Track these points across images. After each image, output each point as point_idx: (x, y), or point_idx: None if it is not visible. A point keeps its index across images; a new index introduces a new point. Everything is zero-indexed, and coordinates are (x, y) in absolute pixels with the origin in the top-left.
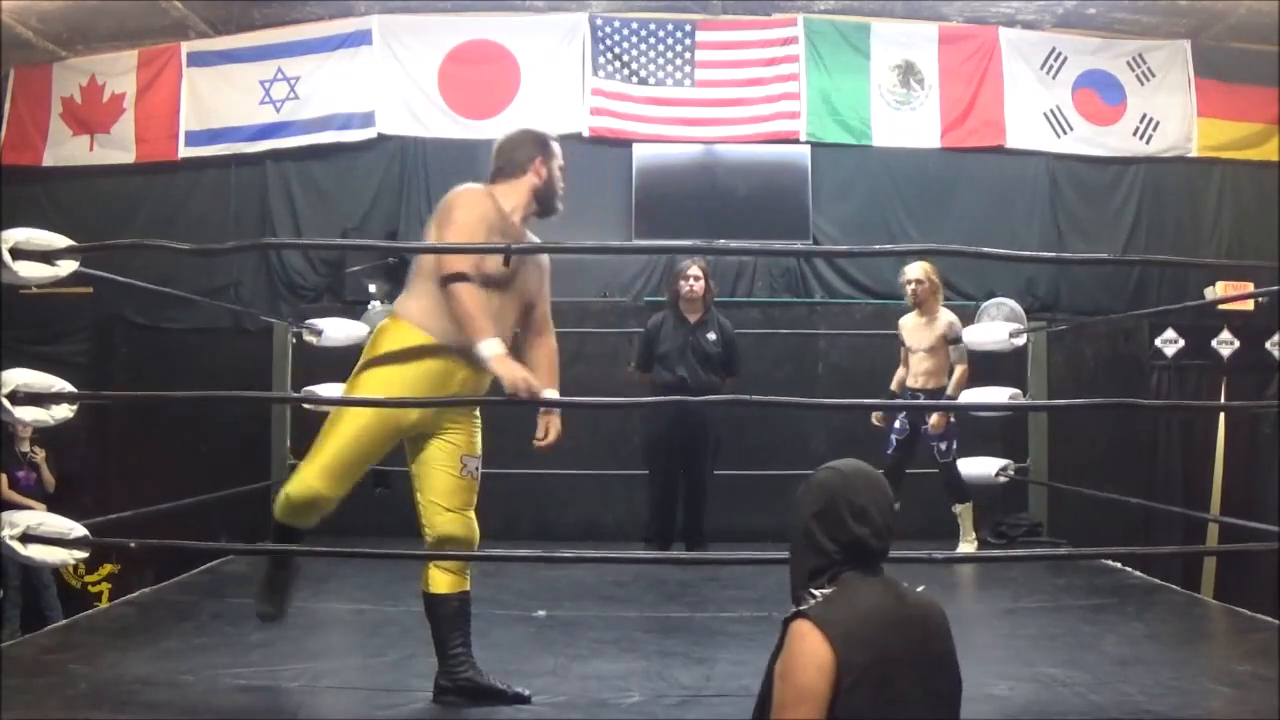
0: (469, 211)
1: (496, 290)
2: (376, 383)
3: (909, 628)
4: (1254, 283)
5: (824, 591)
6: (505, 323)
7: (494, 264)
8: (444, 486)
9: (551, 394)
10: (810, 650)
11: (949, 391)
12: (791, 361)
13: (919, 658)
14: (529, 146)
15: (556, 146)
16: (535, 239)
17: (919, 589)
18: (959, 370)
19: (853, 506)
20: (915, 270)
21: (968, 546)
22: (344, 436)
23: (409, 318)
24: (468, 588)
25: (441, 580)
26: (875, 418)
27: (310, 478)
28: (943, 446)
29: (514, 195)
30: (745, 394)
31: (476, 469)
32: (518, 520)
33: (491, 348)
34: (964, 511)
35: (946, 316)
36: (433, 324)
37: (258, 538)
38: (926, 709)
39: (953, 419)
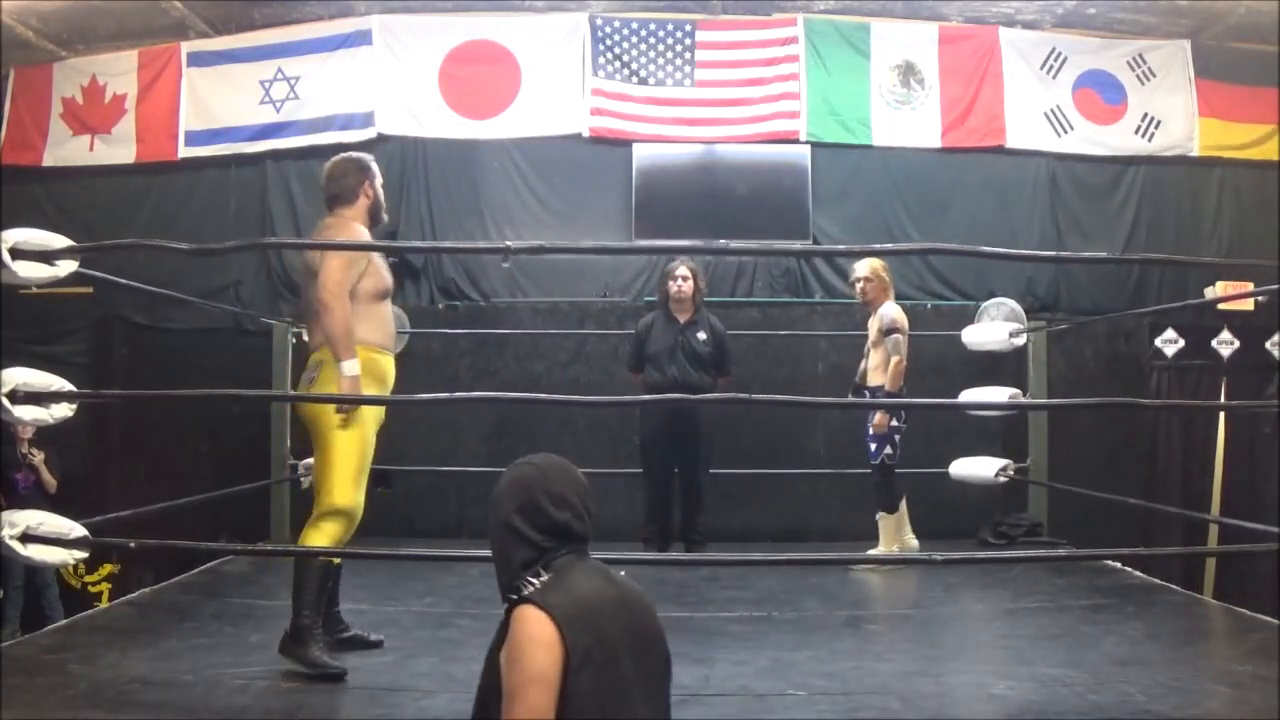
0: (356, 240)
1: (386, 299)
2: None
3: (623, 608)
4: (1254, 283)
5: (541, 579)
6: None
7: (388, 280)
8: (366, 465)
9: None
10: (537, 634)
11: (886, 387)
12: (791, 361)
13: (634, 637)
14: (356, 173)
15: (375, 166)
16: None
17: (620, 573)
18: (892, 363)
19: (551, 495)
20: (863, 268)
21: (880, 550)
22: (353, 449)
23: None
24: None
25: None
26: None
27: (343, 497)
28: (873, 448)
29: (358, 217)
30: (744, 394)
31: None
32: None
33: (353, 368)
34: (884, 524)
35: (882, 310)
36: (364, 337)
37: (258, 538)
38: (643, 687)
39: (894, 422)
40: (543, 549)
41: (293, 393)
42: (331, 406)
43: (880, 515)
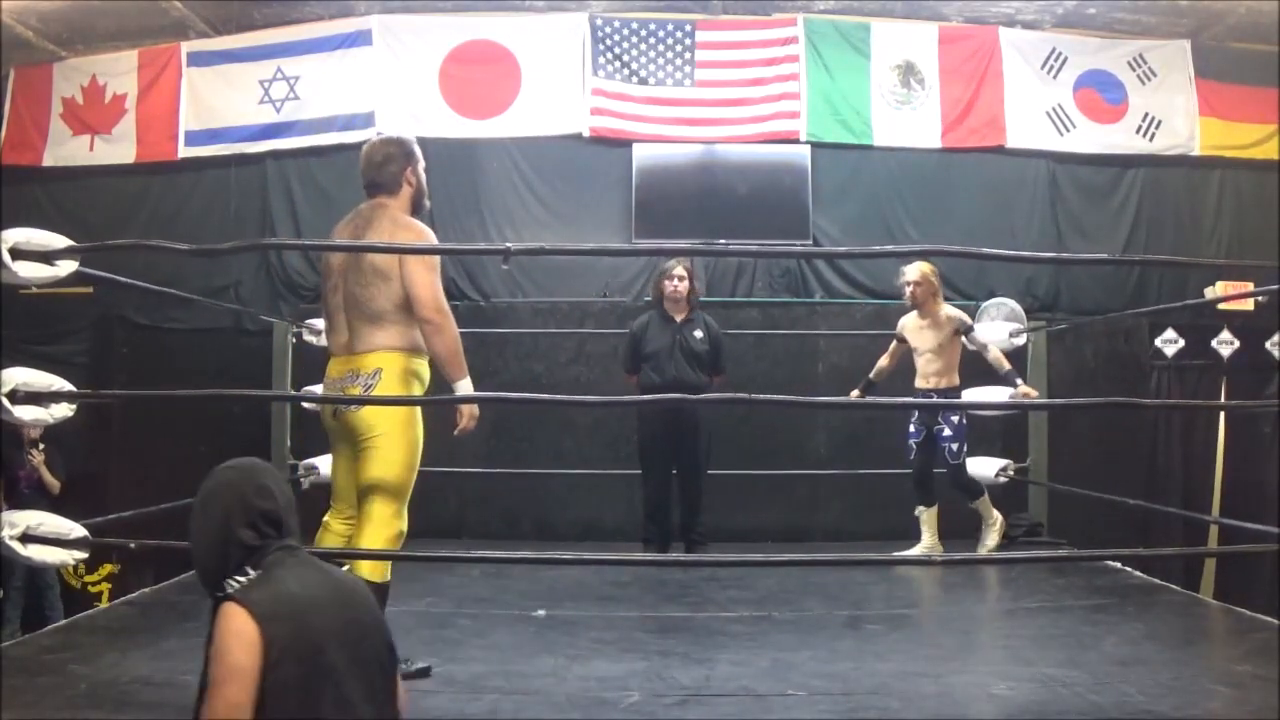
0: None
1: None
2: (415, 417)
3: (335, 601)
4: (1254, 283)
5: (248, 577)
6: None
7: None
8: None
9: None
10: (236, 630)
11: (1006, 367)
12: (791, 361)
13: (347, 628)
14: (400, 159)
15: (419, 150)
16: None
17: (344, 569)
18: (993, 354)
19: (256, 488)
20: (913, 272)
21: (994, 534)
22: (416, 464)
23: (401, 346)
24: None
25: (379, 569)
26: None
27: (404, 521)
28: (954, 448)
29: (402, 207)
30: (743, 393)
31: None
32: (518, 520)
33: (469, 386)
34: (983, 504)
35: (951, 313)
36: (411, 343)
37: None
38: (359, 675)
39: (963, 421)
40: (252, 547)
41: (292, 394)
42: (401, 420)
43: (978, 502)
